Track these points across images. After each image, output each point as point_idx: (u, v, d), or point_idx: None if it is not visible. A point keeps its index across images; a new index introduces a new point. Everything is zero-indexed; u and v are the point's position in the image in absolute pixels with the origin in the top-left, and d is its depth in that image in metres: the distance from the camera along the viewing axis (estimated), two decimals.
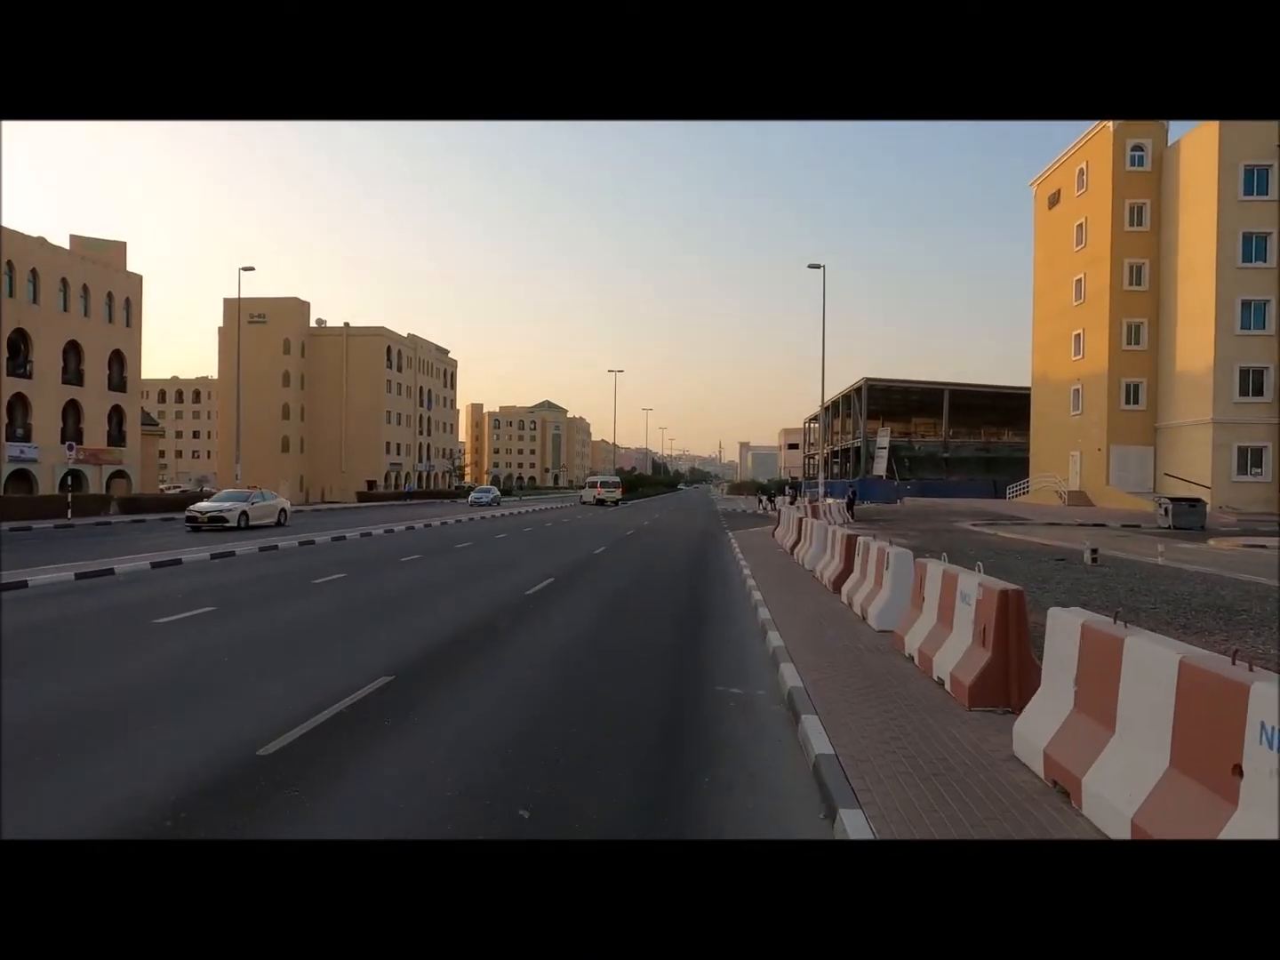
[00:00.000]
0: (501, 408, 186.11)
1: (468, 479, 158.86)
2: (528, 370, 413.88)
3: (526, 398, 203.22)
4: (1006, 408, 71.04)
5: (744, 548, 20.95)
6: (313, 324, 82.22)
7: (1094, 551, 16.62)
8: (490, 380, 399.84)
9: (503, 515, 39.14)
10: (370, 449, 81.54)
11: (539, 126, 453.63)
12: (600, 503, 58.53)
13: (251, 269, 38.04)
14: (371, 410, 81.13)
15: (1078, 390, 47.50)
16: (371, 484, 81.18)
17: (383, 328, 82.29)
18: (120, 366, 48.26)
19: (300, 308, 79.78)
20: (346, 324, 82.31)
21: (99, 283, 46.30)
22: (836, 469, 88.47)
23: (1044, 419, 52.49)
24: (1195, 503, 34.22)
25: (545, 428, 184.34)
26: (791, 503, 47.15)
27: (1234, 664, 3.39)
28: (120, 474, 47.94)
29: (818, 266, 35.87)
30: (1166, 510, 33.71)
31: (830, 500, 37.23)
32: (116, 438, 48.06)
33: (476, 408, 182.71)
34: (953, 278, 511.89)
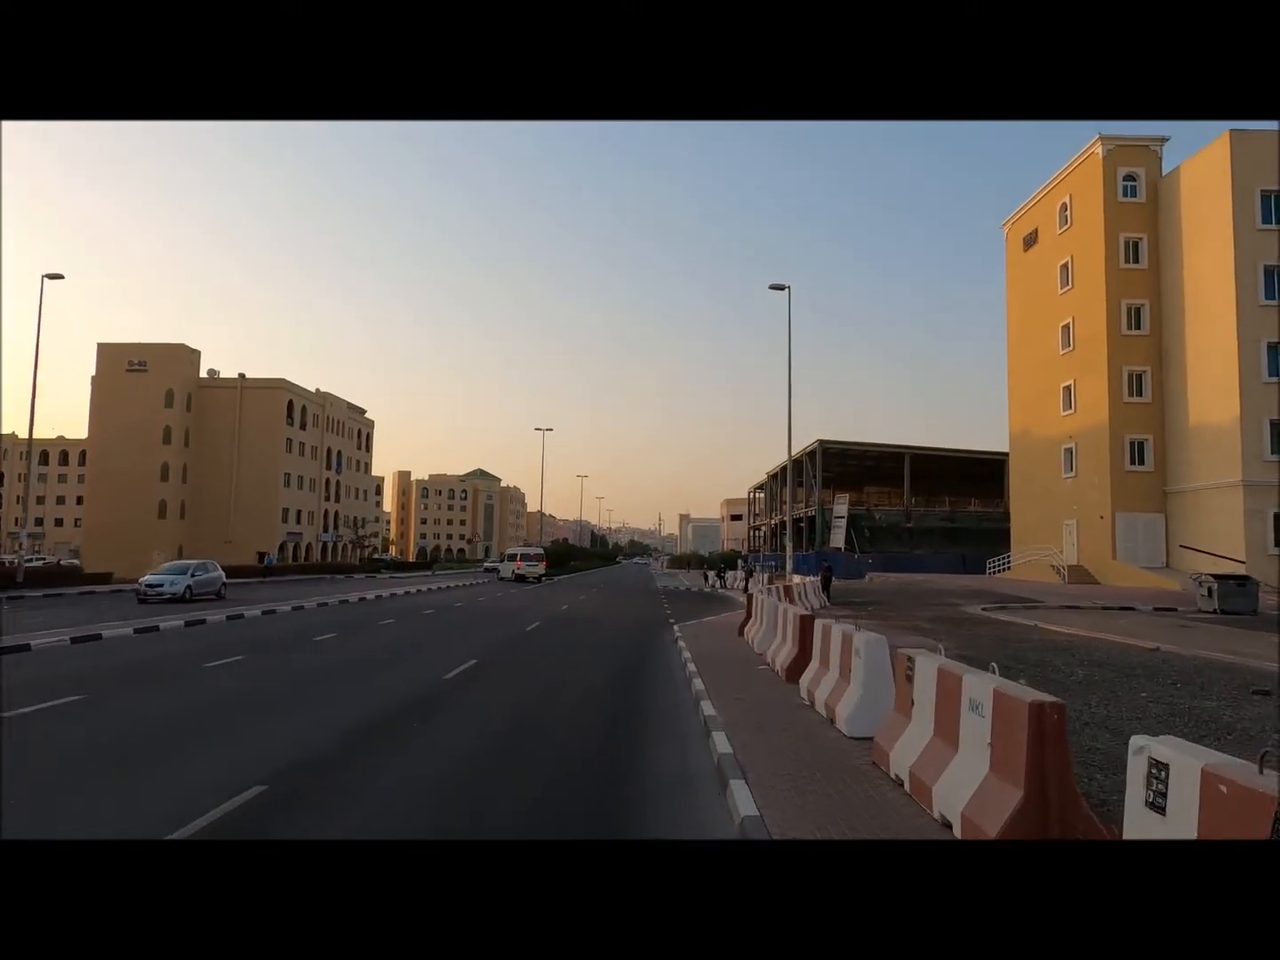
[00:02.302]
0: (431, 475, 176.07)
1: (392, 551, 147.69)
2: (460, 437, 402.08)
3: (459, 466, 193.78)
4: (973, 474, 65.37)
5: (702, 659, 12.88)
6: (203, 374, 72.85)
7: None
8: (420, 446, 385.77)
9: (375, 599, 30.13)
10: (264, 516, 71.46)
11: (463, 168, 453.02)
12: (520, 579, 49.90)
13: (60, 276, 29.37)
14: (267, 472, 71.41)
15: (1070, 450, 41.41)
16: (263, 555, 70.87)
17: (283, 380, 73.33)
18: None
19: (187, 356, 70.52)
20: (242, 375, 73.15)
21: None
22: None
23: (1028, 483, 46.28)
24: (1244, 581, 27.66)
25: (477, 497, 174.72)
26: (747, 579, 39.44)
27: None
28: None
29: (781, 287, 29.12)
30: (1210, 590, 27.16)
31: (800, 578, 29.59)
32: None
33: (404, 475, 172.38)
34: (908, 335, 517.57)
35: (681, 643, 15.63)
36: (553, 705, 9.84)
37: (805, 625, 10.50)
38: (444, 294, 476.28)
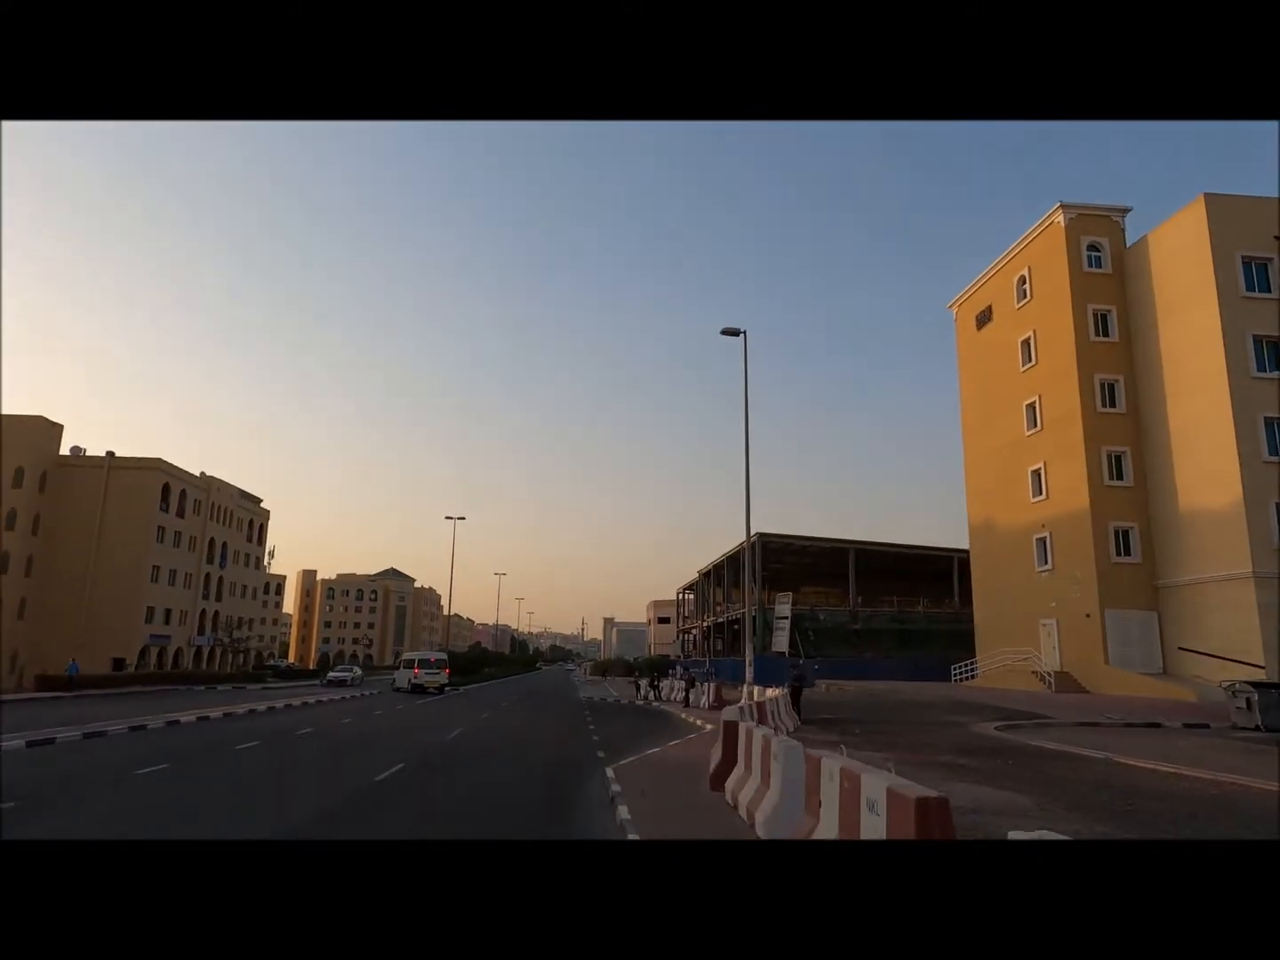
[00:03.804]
0: (339, 575, 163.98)
1: (291, 657, 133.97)
2: (374, 538, 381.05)
3: (373, 567, 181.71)
4: (921, 572, 61.12)
5: None
6: (65, 451, 63.82)
7: None
8: (331, 547, 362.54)
9: (196, 722, 22.42)
10: (123, 615, 61.47)
11: (367, 254, 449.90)
12: (419, 689, 42.10)
13: None
14: (130, 565, 61.89)
15: (1044, 540, 37.15)
16: (119, 662, 60.54)
17: (159, 460, 64.83)
18: None
19: (44, 430, 61.61)
20: (110, 453, 64.37)
21: None
22: (720, 645, 75.21)
23: (994, 580, 41.75)
24: None
25: (388, 598, 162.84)
26: (688, 689, 33.04)
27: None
28: None
29: (735, 333, 24.23)
30: (1249, 702, 22.73)
31: (764, 689, 23.42)
32: None
33: (309, 574, 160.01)
34: (849, 429, 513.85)
35: (623, 809, 9.27)
36: None
37: (932, 818, 4.43)
38: (362, 387, 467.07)
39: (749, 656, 23.65)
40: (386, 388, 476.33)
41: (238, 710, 24.60)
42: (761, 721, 15.60)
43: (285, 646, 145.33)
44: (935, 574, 59.09)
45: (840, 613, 60.52)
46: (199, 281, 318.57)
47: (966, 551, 51.85)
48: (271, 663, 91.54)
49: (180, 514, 67.78)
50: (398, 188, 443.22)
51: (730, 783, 9.57)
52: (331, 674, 57.09)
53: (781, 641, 54.77)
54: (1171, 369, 33.06)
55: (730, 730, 10.66)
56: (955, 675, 43.56)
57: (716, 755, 11.55)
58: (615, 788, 10.95)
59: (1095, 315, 35.59)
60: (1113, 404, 34.98)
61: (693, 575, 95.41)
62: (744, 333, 24.20)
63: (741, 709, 14.88)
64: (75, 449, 65.25)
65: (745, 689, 23.51)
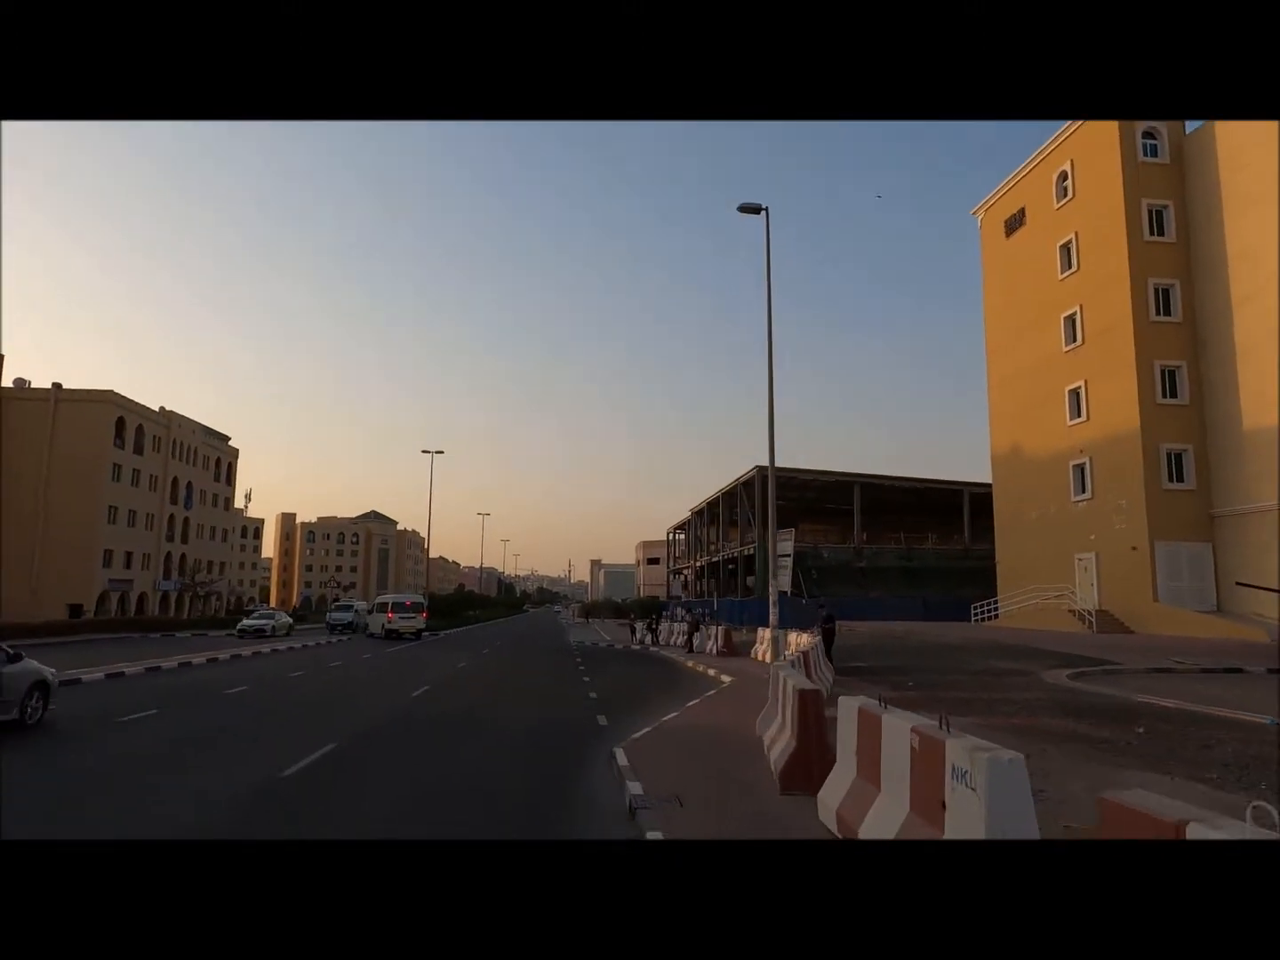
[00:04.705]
0: (320, 518, 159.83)
1: (272, 602, 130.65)
2: (359, 482, 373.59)
3: (355, 509, 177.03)
4: (929, 506, 57.87)
5: None
6: (7, 383, 58.94)
7: None
8: (313, 489, 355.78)
9: (105, 679, 18.59)
10: (80, 559, 57.50)
11: (355, 202, 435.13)
12: (394, 635, 38.63)
13: None
14: (85, 505, 57.66)
15: (1082, 467, 33.60)
16: (77, 608, 56.80)
17: (110, 391, 60.00)
18: None
19: None
20: (57, 385, 59.49)
21: None
22: (714, 585, 72.25)
23: (1020, 511, 38.32)
24: None
25: (370, 541, 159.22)
26: (691, 634, 29.68)
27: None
28: None
29: (756, 210, 20.04)
30: None
31: (793, 633, 19.91)
32: None
33: (288, 517, 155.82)
34: (854, 356, 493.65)
35: (654, 838, 5.59)
36: None
37: None
38: (343, 329, 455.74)
39: (773, 596, 20.06)
40: (363, 324, 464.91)
41: (167, 664, 20.84)
42: (809, 678, 12.05)
43: (266, 591, 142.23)
44: (945, 508, 55.87)
45: (844, 550, 57.32)
46: (161, 219, 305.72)
47: (979, 484, 48.57)
48: (250, 608, 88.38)
49: (138, 450, 63.28)
50: (367, 152, 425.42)
51: (834, 798, 5.81)
52: (245, 623, 41.95)
53: (784, 580, 51.42)
54: (1239, 270, 29.10)
55: (810, 704, 6.93)
56: (976, 615, 40.47)
57: (780, 736, 7.88)
58: (633, 787, 7.28)
59: (1150, 211, 31.43)
60: (1167, 312, 31.07)
61: (683, 516, 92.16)
62: (765, 209, 20.02)
63: (792, 661, 11.24)
64: (19, 381, 60.38)
65: (766, 634, 19.98)
